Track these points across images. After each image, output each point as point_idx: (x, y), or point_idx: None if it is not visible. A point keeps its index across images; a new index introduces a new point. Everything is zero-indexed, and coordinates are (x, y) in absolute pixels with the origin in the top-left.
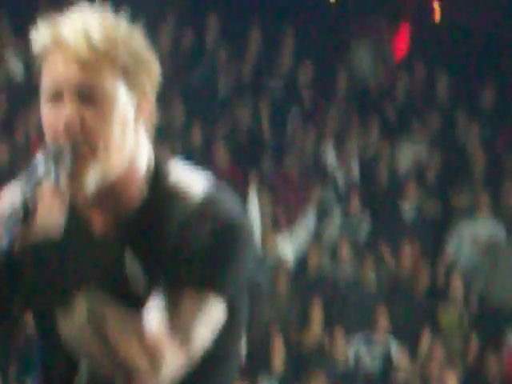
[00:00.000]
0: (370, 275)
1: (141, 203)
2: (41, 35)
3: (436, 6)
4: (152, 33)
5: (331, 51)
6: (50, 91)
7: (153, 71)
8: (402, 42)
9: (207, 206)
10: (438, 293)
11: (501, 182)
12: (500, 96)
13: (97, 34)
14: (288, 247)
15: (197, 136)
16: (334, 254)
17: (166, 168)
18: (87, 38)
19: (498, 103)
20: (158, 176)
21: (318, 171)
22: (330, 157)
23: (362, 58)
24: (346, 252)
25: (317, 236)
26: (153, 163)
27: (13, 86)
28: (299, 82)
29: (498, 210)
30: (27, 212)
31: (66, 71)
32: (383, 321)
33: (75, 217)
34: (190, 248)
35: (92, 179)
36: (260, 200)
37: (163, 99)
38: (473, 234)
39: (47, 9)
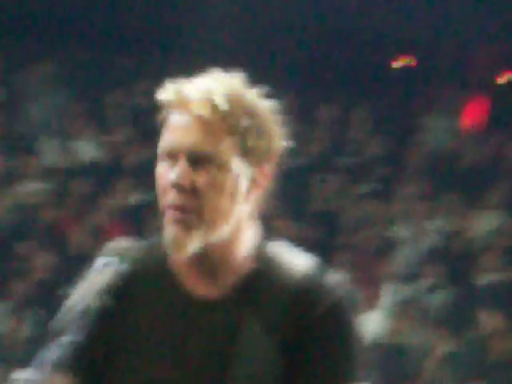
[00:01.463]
0: (451, 346)
1: (245, 275)
2: (167, 93)
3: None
4: None
5: (403, 125)
6: (166, 149)
7: (276, 144)
8: (474, 112)
9: (314, 280)
10: None
11: None
12: None
13: (219, 95)
14: (370, 324)
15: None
16: (413, 326)
17: (272, 244)
18: (209, 97)
19: None
20: (264, 250)
21: (391, 245)
22: (405, 230)
23: (435, 130)
24: (421, 324)
25: (395, 311)
26: (259, 237)
27: (85, 170)
28: (371, 156)
29: None
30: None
31: (184, 131)
32: None
33: (175, 284)
34: (310, 334)
35: (194, 244)
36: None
37: None
38: None
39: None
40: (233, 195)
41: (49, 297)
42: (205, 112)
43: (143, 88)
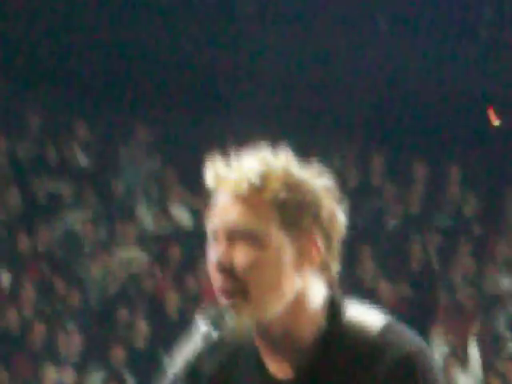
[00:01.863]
0: None
1: (316, 347)
2: (208, 173)
3: None
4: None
5: (497, 181)
6: (211, 230)
7: (323, 210)
8: None
9: (387, 336)
10: None
11: None
12: None
13: (254, 171)
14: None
15: (367, 269)
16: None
17: (342, 307)
18: (243, 174)
19: None
20: (333, 315)
21: (490, 300)
22: (504, 284)
23: None
24: None
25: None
26: (327, 304)
27: (182, 236)
28: (466, 213)
29: None
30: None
31: (223, 210)
32: None
33: (257, 362)
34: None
35: (247, 325)
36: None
37: None
38: None
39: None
40: (277, 270)
41: (147, 365)
42: (240, 189)
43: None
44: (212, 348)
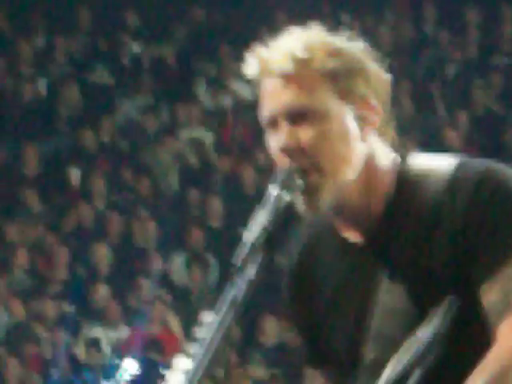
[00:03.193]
0: None
1: (388, 204)
2: (249, 65)
3: None
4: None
5: None
6: (266, 119)
7: (371, 73)
8: None
9: (460, 171)
10: None
11: None
12: None
13: (297, 47)
14: None
15: (424, 128)
16: None
17: (410, 162)
18: (287, 51)
19: None
20: (402, 172)
21: None
22: None
23: None
24: None
25: None
26: (396, 163)
27: (244, 108)
28: None
29: None
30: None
31: (275, 94)
32: None
33: (333, 231)
34: (470, 222)
35: (326, 198)
36: None
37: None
38: None
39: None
40: (344, 139)
41: (226, 243)
42: (287, 67)
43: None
44: (286, 214)
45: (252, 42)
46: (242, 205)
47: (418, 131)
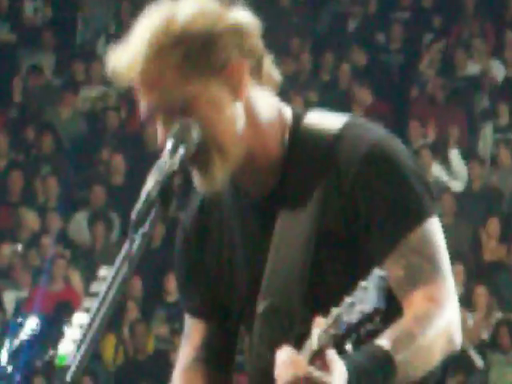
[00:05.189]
0: None
1: (281, 160)
2: (111, 72)
3: None
4: None
5: None
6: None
7: (226, 37)
8: None
9: (347, 133)
10: None
11: None
12: None
13: (144, 46)
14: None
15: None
16: None
17: (302, 118)
18: (136, 54)
19: None
20: (294, 129)
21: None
22: None
23: None
24: None
25: None
26: (288, 119)
27: None
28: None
29: None
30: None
31: (140, 94)
32: None
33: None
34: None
35: (218, 176)
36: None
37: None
38: None
39: None
40: (219, 116)
41: (129, 201)
42: (140, 70)
43: None
44: (182, 168)
45: None
46: (145, 163)
47: (318, 86)
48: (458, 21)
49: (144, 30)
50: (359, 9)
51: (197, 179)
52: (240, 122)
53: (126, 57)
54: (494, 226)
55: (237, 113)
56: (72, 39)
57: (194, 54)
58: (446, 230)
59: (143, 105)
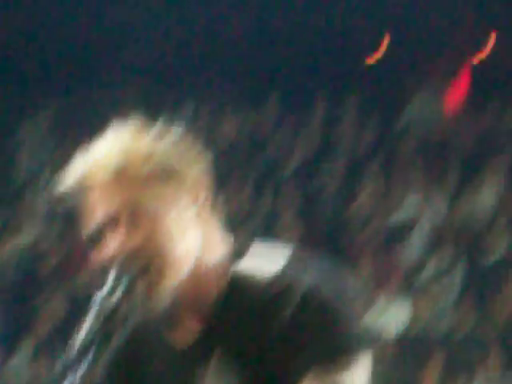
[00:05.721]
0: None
1: (217, 298)
2: (72, 180)
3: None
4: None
5: (386, 116)
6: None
7: (185, 171)
8: (455, 93)
9: (281, 282)
10: None
11: None
12: None
13: (113, 157)
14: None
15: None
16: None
17: (242, 253)
18: (103, 164)
19: None
20: (233, 274)
21: (397, 234)
22: (407, 217)
23: (419, 114)
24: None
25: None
26: (228, 252)
27: None
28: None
29: None
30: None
31: (96, 205)
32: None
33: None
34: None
35: (159, 298)
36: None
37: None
38: None
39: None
40: (168, 239)
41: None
42: (105, 179)
43: None
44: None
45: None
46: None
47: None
48: None
49: (116, 143)
50: None
51: (138, 297)
52: (187, 256)
53: (92, 166)
54: None
55: (187, 245)
56: None
57: (159, 174)
58: None
59: (99, 214)
